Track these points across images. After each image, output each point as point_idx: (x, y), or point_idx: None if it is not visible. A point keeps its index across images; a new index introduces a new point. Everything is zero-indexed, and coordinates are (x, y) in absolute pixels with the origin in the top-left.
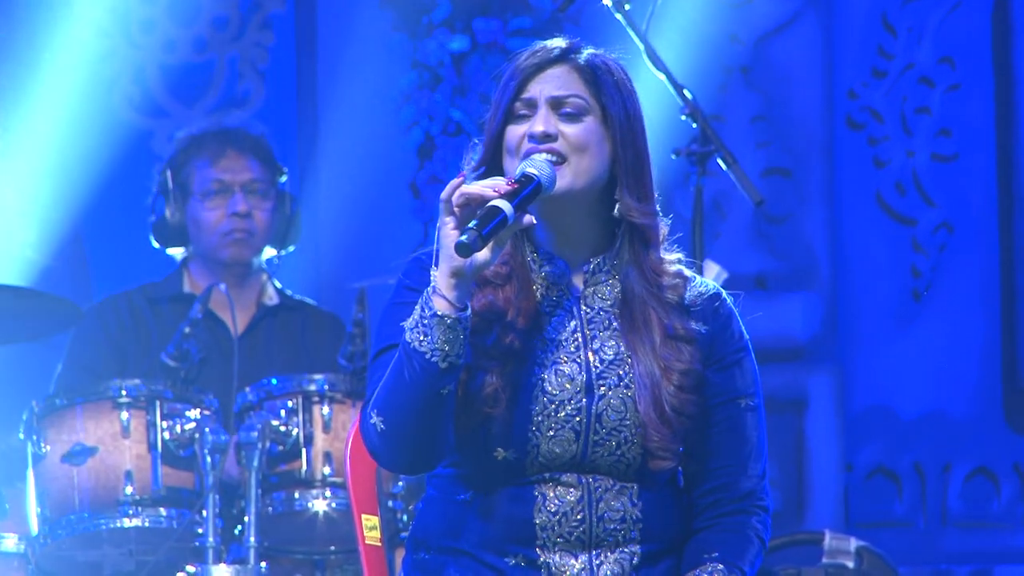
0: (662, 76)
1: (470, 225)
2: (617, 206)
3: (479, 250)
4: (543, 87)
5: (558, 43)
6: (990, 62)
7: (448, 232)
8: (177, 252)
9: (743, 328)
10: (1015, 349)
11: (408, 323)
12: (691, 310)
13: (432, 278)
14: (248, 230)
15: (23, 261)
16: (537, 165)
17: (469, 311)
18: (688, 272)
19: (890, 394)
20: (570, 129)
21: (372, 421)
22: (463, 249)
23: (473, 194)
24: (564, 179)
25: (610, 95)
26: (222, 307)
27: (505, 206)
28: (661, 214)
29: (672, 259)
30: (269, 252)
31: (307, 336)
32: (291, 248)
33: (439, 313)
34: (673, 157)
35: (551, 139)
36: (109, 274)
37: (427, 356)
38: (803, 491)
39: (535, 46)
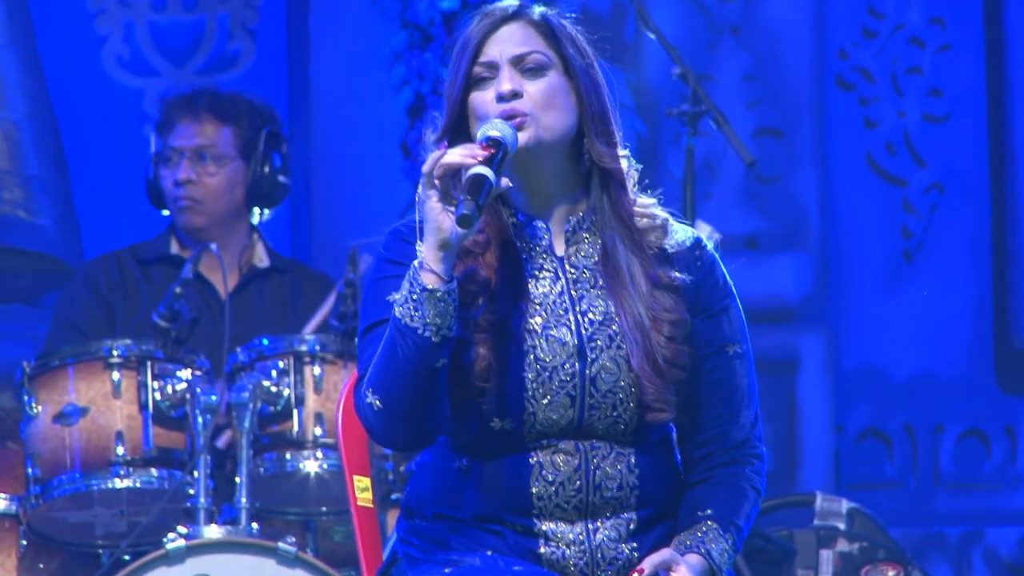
0: (653, 35)
1: (465, 196)
2: (587, 155)
3: (479, 219)
4: (502, 47)
5: (509, 1)
6: (981, 22)
7: (433, 205)
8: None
9: (727, 275)
10: (1006, 310)
11: (398, 299)
12: (673, 258)
13: (418, 252)
14: (192, 197)
15: (13, 221)
16: (497, 127)
17: (455, 282)
18: (663, 213)
19: (881, 355)
20: (534, 86)
21: (368, 400)
22: (466, 221)
23: (454, 163)
24: (529, 134)
25: (569, 47)
26: (211, 268)
27: (488, 172)
28: (631, 159)
29: (648, 203)
30: (256, 212)
31: (297, 297)
32: (274, 206)
33: (428, 287)
34: (666, 116)
35: (518, 96)
36: (100, 234)
37: (419, 331)
38: (794, 453)
39: (485, 9)
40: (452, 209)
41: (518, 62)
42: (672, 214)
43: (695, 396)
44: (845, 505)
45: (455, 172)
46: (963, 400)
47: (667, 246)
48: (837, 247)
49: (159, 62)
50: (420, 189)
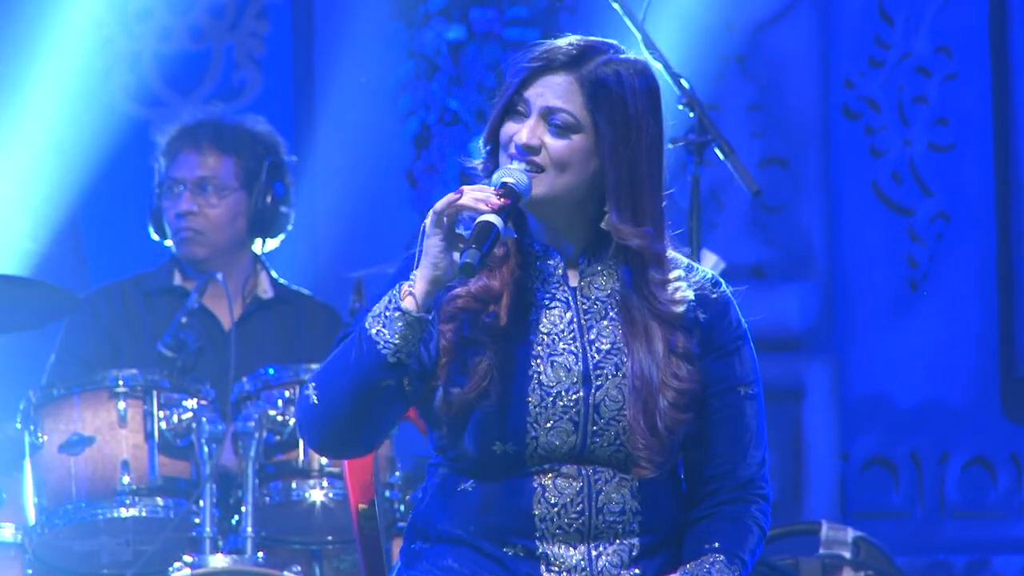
0: (659, 65)
1: (471, 245)
2: (605, 217)
3: (481, 268)
4: (541, 92)
5: (569, 47)
6: (987, 51)
7: (436, 243)
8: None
9: (740, 316)
10: (1012, 339)
11: (373, 309)
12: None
13: (411, 277)
14: (194, 228)
15: (20, 250)
16: (514, 175)
17: (432, 316)
18: (688, 292)
19: (887, 384)
20: (554, 143)
21: (307, 392)
22: (468, 270)
23: (466, 207)
24: (540, 187)
25: (608, 113)
26: (214, 299)
27: (497, 221)
28: (665, 232)
29: (674, 276)
30: (259, 243)
31: (303, 328)
32: (280, 237)
33: (402, 308)
34: (670, 146)
35: (533, 151)
36: (106, 263)
37: (378, 346)
38: (800, 481)
39: (547, 44)
40: (456, 252)
41: (548, 114)
42: (686, 255)
43: (704, 434)
44: (851, 534)
45: (458, 213)
46: (969, 428)
47: (688, 295)
48: (843, 276)
49: (165, 92)
50: (428, 222)
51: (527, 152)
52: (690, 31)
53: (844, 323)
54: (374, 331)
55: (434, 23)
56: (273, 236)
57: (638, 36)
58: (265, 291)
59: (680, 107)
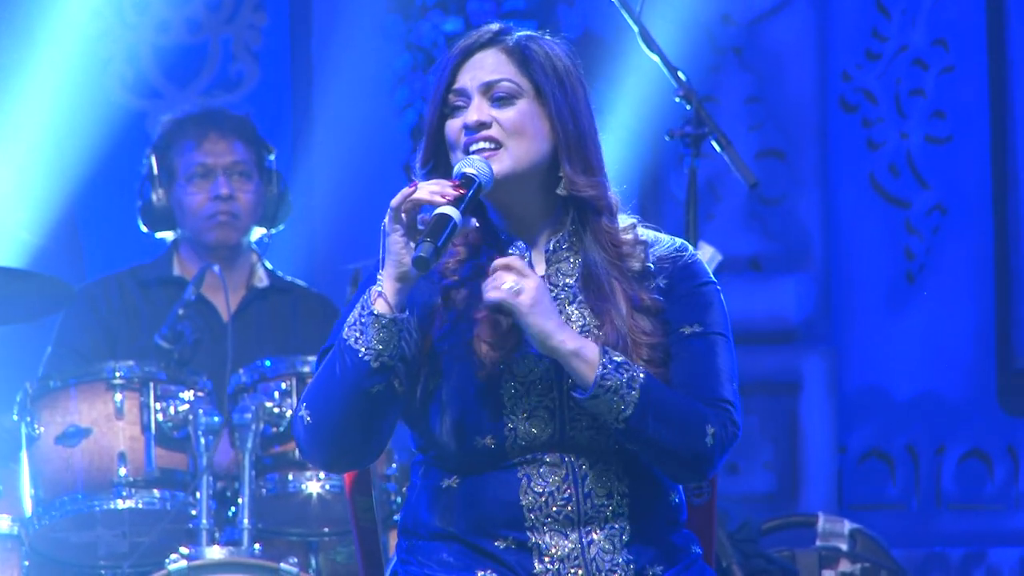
0: (656, 57)
1: (425, 239)
2: (561, 182)
3: (436, 262)
4: (473, 74)
5: (488, 28)
6: (984, 44)
7: (396, 239)
8: (167, 235)
9: (708, 271)
10: (1008, 331)
11: (348, 319)
12: (657, 270)
13: (377, 279)
14: (231, 212)
15: (17, 242)
16: (474, 165)
17: (407, 314)
18: (647, 233)
19: (883, 376)
20: (503, 114)
21: (300, 414)
22: (422, 264)
23: (421, 200)
24: (503, 164)
25: (542, 73)
26: (212, 290)
27: (453, 212)
28: (611, 185)
29: (627, 225)
30: (258, 232)
31: (298, 318)
32: (280, 227)
33: (376, 312)
34: (667, 139)
35: (486, 127)
36: (103, 255)
37: (359, 354)
38: (797, 473)
39: (467, 34)
40: (414, 245)
41: (487, 90)
42: (651, 227)
43: (667, 379)
44: (847, 526)
45: (421, 208)
46: (965, 421)
47: (650, 263)
48: (840, 268)
49: (162, 84)
50: (386, 220)
51: (479, 129)
52: (687, 23)
53: (841, 315)
54: (352, 340)
55: (431, 15)
56: (277, 225)
57: (635, 28)
58: (261, 279)
59: (677, 99)
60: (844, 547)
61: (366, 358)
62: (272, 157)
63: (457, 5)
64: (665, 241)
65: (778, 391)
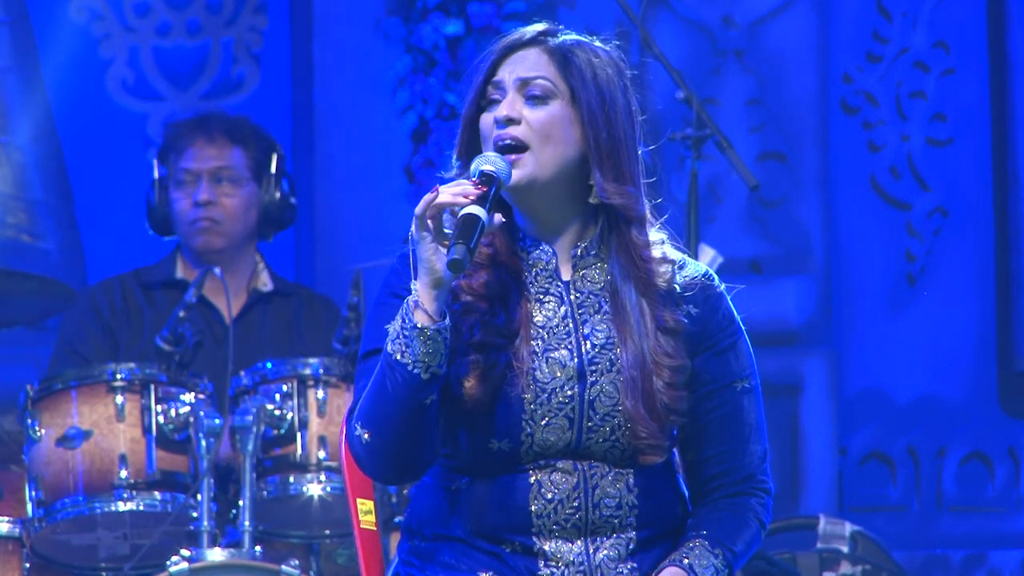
0: (657, 60)
1: (457, 241)
2: (592, 190)
3: (470, 263)
4: (512, 68)
5: (535, 27)
6: (985, 47)
7: (426, 246)
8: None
9: (734, 309)
10: (1009, 333)
11: (390, 333)
12: (683, 295)
13: (412, 288)
14: (212, 218)
15: (17, 245)
16: (490, 161)
17: (447, 320)
18: (675, 254)
19: (884, 378)
20: (534, 114)
21: (357, 433)
22: (457, 266)
23: (445, 204)
24: (525, 169)
25: (580, 76)
26: (215, 292)
27: (479, 211)
28: (646, 197)
29: (656, 239)
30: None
31: (301, 321)
32: (283, 230)
33: (419, 325)
34: (670, 139)
35: (515, 123)
36: (104, 258)
37: (409, 368)
38: (797, 476)
39: (512, 31)
40: (445, 251)
41: (523, 86)
42: (679, 248)
43: (703, 432)
44: (848, 528)
45: (441, 211)
46: (966, 423)
47: (676, 284)
48: (840, 271)
49: (163, 87)
50: (413, 229)
51: (508, 124)
52: (688, 25)
53: (842, 318)
54: (399, 356)
55: (432, 18)
56: (281, 229)
57: (639, 30)
58: (265, 284)
59: (678, 101)
60: (845, 549)
61: (415, 371)
62: (276, 157)
63: (458, 7)
64: (691, 265)
65: (779, 393)
